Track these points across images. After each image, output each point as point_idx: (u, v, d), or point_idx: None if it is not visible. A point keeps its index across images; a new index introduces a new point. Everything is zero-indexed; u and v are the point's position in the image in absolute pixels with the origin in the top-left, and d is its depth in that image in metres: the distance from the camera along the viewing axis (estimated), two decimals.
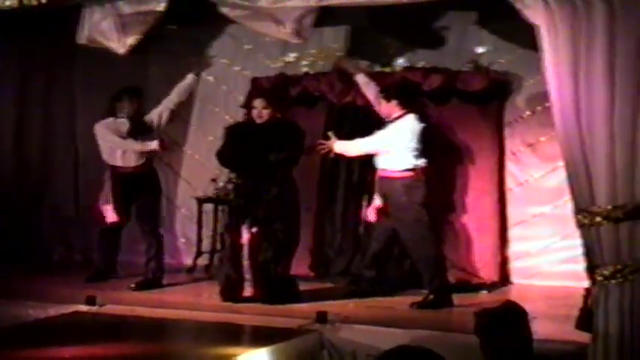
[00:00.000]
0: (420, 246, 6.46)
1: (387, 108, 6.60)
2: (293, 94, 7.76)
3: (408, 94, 6.64)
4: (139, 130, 7.22)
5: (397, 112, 6.53)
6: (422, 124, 6.53)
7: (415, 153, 6.47)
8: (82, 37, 6.41)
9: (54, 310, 6.25)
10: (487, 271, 7.28)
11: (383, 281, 6.79)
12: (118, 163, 7.23)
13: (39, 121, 8.75)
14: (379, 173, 6.63)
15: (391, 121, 6.56)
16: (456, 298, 6.68)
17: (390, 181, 6.53)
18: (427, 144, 6.56)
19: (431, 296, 6.38)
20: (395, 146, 6.46)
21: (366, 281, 6.77)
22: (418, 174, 6.48)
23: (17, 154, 8.61)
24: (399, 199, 6.48)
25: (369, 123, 7.29)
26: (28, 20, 7.12)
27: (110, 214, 7.15)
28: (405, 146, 6.44)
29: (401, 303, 6.57)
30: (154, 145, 7.17)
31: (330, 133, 6.70)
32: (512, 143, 7.50)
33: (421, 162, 6.51)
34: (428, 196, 6.49)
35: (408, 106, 6.54)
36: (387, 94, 6.60)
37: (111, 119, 7.27)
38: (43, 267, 8.07)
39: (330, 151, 6.66)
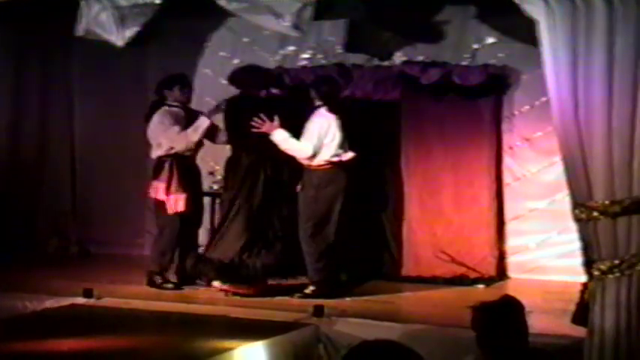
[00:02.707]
0: (307, 241, 6.46)
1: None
2: (291, 87, 7.75)
3: (323, 87, 6.64)
4: (192, 118, 7.02)
5: (316, 102, 6.57)
6: (329, 118, 6.48)
7: (327, 147, 6.47)
8: (80, 29, 6.39)
9: (51, 303, 6.25)
10: (484, 266, 7.28)
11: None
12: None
13: (35, 113, 8.75)
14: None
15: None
16: (453, 293, 6.70)
17: (309, 172, 6.53)
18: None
19: (311, 288, 6.41)
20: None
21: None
22: (332, 168, 6.49)
23: (13, 146, 8.61)
24: (307, 192, 6.50)
25: (367, 116, 7.32)
26: (23, 12, 7.10)
27: (181, 204, 6.84)
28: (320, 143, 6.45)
29: (398, 297, 6.59)
30: (205, 123, 6.86)
31: (276, 117, 6.48)
32: (510, 138, 7.50)
33: (330, 156, 6.48)
34: (337, 191, 6.47)
35: (323, 99, 6.54)
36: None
37: (165, 108, 7.01)
38: (38, 259, 8.07)
39: (264, 133, 6.48)
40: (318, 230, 6.48)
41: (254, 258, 6.47)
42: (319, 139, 6.45)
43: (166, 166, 6.93)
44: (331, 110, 6.53)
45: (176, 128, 6.94)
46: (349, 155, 6.57)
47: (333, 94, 6.71)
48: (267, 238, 6.58)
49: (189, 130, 6.94)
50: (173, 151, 6.95)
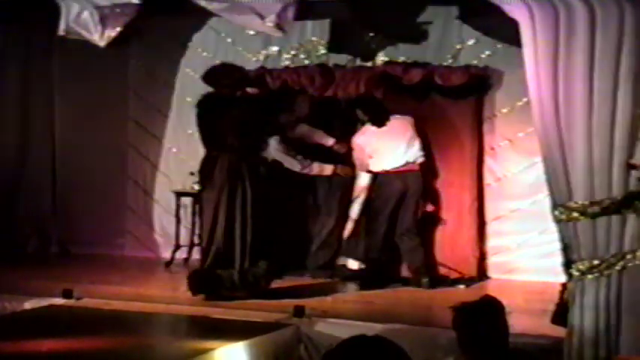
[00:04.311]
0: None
1: None
2: (273, 88, 7.73)
3: (369, 105, 7.20)
4: None
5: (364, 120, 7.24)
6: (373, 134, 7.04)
7: (376, 158, 7.10)
8: (62, 29, 6.35)
9: (30, 303, 6.20)
10: (465, 266, 7.29)
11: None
12: None
13: (15, 113, 8.67)
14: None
15: None
16: (434, 293, 6.70)
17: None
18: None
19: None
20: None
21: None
22: (387, 173, 7.06)
23: None
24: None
25: (349, 117, 7.32)
26: (3, 12, 7.05)
27: None
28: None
29: (379, 297, 6.58)
30: None
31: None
32: (491, 138, 7.51)
33: (380, 167, 7.09)
34: (390, 194, 7.02)
35: (369, 117, 7.13)
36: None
37: None
38: (18, 259, 8.01)
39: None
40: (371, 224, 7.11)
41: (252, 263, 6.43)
42: (364, 154, 7.06)
43: None
44: (377, 125, 7.04)
45: None
46: (393, 165, 6.99)
47: (378, 111, 7.13)
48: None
49: None
50: None
